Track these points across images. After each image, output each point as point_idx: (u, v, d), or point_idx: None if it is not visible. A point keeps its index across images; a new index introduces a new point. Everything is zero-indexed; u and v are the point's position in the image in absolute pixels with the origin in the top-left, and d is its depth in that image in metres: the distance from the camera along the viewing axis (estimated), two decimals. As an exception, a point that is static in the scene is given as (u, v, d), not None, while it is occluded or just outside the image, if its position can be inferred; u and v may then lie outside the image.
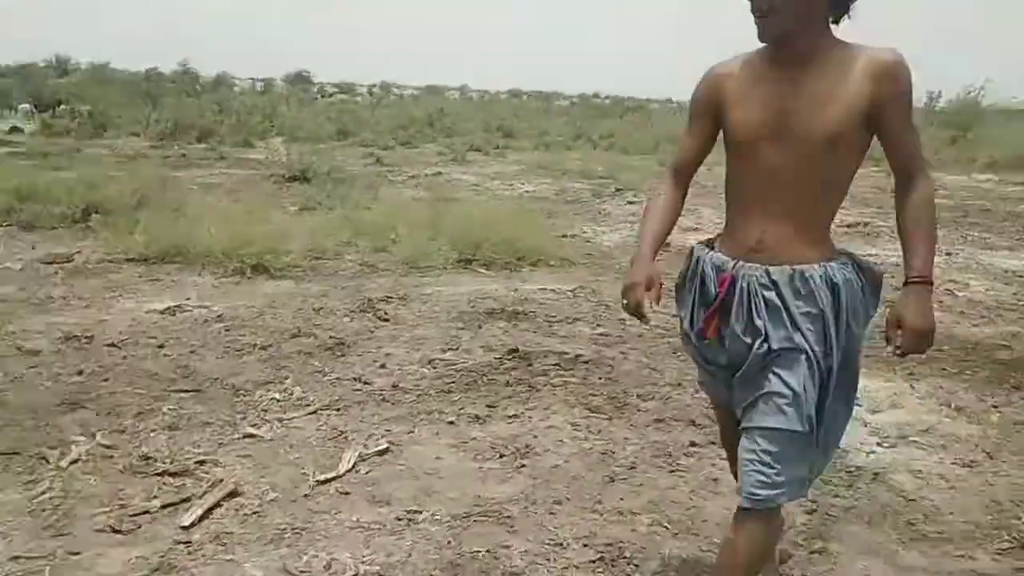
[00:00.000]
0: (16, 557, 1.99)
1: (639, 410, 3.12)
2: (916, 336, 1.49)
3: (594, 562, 2.08)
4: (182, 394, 3.08)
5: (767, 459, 1.52)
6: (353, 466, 2.53)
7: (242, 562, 2.01)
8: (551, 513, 2.31)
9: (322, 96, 44.21)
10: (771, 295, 1.54)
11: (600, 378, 3.44)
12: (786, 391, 1.51)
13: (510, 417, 3.00)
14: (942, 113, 23.46)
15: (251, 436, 2.74)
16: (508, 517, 2.27)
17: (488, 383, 3.33)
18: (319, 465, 2.54)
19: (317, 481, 2.42)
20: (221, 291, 4.68)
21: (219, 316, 4.11)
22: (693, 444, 2.82)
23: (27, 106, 23.12)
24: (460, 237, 5.91)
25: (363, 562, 2.02)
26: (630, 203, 9.32)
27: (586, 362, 3.63)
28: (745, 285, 1.57)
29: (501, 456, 2.67)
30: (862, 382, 3.44)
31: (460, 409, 3.05)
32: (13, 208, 6.34)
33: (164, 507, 2.23)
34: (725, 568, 1.61)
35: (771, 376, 1.53)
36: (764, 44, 1.55)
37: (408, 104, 35.87)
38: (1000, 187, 13.19)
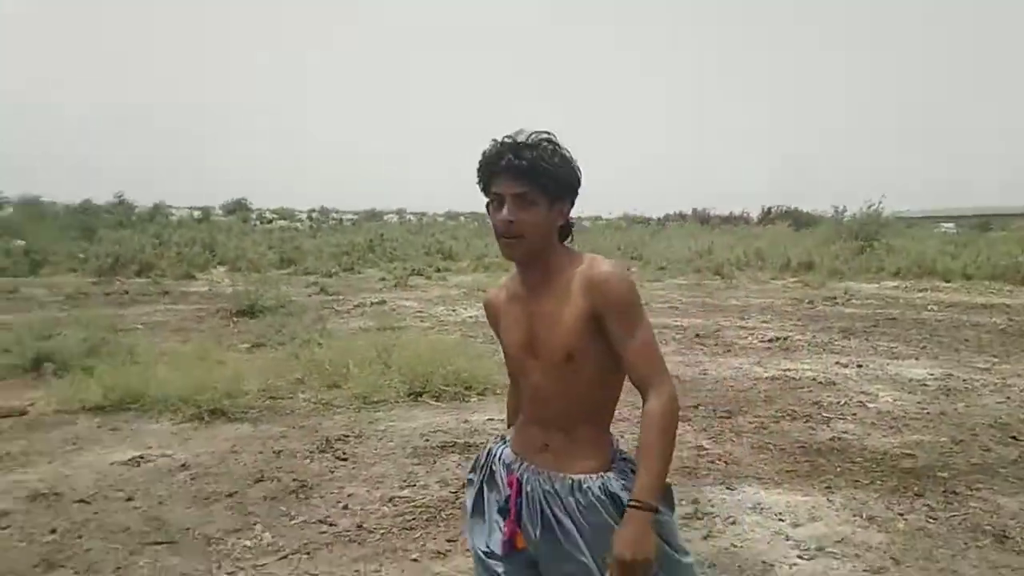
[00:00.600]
0: None
1: (587, 536, 3.41)
2: (622, 567, 1.45)
3: None
4: (156, 546, 3.23)
5: None
6: (327, 608, 2.73)
7: None
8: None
9: (261, 223, 44.73)
10: (555, 503, 1.59)
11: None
12: None
13: (468, 551, 3.24)
14: (850, 225, 25.43)
15: (227, 585, 2.91)
16: (474, 648, 2.50)
17: (446, 518, 3.58)
18: (295, 609, 2.73)
19: (295, 625, 2.61)
20: (181, 437, 4.83)
21: (183, 464, 4.27)
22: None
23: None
24: (409, 370, 6.23)
25: None
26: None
27: (536, 491, 3.92)
28: (529, 490, 1.63)
29: (463, 589, 2.91)
30: (784, 498, 3.87)
31: (422, 545, 3.28)
32: (-43, 360, 6.37)
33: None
34: None
35: None
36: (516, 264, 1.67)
37: (348, 230, 36.75)
38: (907, 294, 14.36)
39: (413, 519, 3.56)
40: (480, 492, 1.74)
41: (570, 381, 1.59)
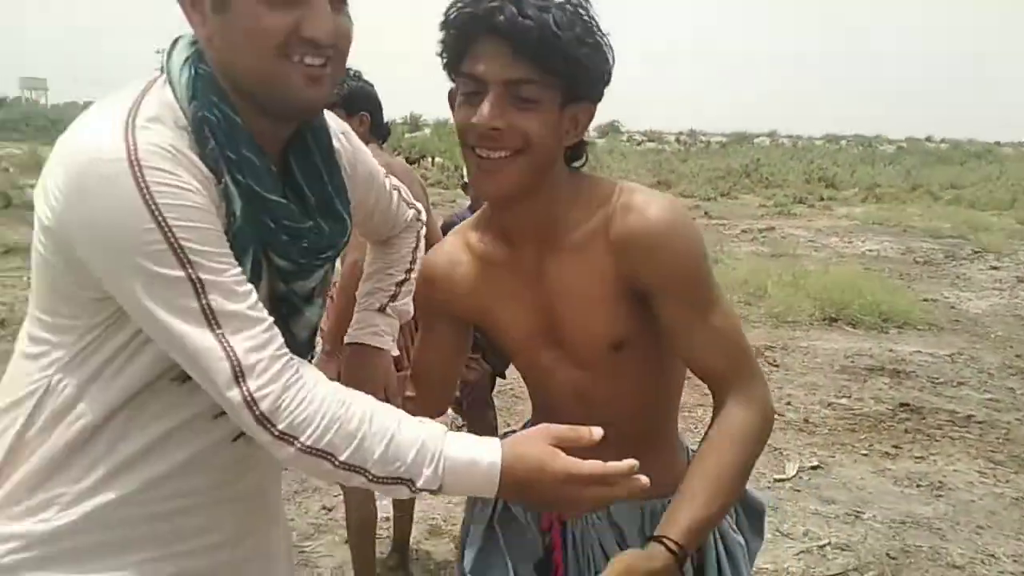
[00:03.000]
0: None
1: (1045, 470, 3.50)
2: None
3: (1025, 574, 2.64)
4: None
5: None
6: (796, 473, 3.37)
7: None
8: (976, 533, 2.90)
9: (631, 144, 46.57)
10: (614, 547, 1.10)
11: (997, 438, 3.84)
12: None
13: (916, 458, 3.59)
14: None
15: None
16: (938, 529, 2.92)
17: (888, 428, 3.94)
18: (769, 468, 3.41)
19: (774, 479, 3.29)
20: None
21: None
22: (1109, 504, 3.15)
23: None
24: (823, 295, 6.49)
25: (831, 535, 2.84)
26: (994, 268, 8.93)
27: (980, 422, 4.04)
28: (578, 534, 1.13)
29: (918, 486, 3.29)
30: None
31: (869, 446, 3.71)
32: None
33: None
34: None
35: None
36: (483, 212, 1.14)
37: (717, 153, 36.42)
38: None
39: (855, 423, 3.99)
40: (491, 529, 1.18)
41: (618, 374, 1.08)
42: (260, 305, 0.84)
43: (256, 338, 0.82)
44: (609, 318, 1.03)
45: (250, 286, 0.84)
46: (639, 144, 47.39)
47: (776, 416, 3.99)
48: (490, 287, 1.10)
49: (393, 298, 1.25)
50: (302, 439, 0.81)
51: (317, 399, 0.83)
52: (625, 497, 0.87)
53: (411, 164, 26.72)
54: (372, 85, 2.31)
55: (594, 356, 1.06)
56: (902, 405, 4.25)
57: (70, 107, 49.32)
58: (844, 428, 3.93)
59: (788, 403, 4.29)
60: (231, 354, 0.80)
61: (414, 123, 49.08)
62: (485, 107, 0.93)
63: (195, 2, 0.84)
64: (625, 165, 25.18)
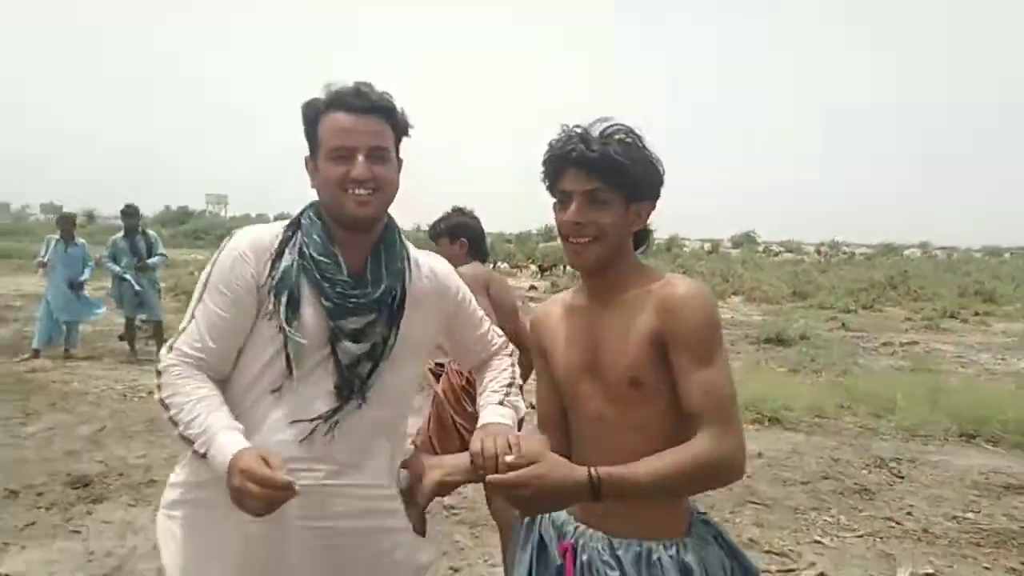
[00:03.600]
0: None
1: None
2: (518, 486, 1.25)
3: None
4: (755, 506, 4.28)
5: None
6: (908, 579, 3.35)
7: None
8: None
9: (767, 255, 45.60)
10: None
11: None
12: None
13: (1046, 577, 3.45)
14: None
15: (818, 542, 3.76)
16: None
17: (1019, 547, 3.79)
18: (880, 571, 3.42)
19: (883, 583, 3.30)
20: (749, 436, 5.91)
21: (759, 453, 5.32)
22: None
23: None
24: (960, 411, 6.23)
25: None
26: None
27: None
28: (586, 559, 1.40)
29: (1044, 603, 3.18)
30: None
31: (994, 560, 3.61)
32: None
33: (779, 572, 3.37)
34: None
35: None
36: (578, 280, 1.53)
37: (861, 264, 34.97)
38: None
39: (981, 538, 3.88)
40: (530, 566, 1.50)
41: (638, 411, 1.38)
42: (218, 335, 1.42)
43: (192, 342, 1.42)
44: (633, 359, 1.36)
45: (222, 323, 1.41)
46: (775, 255, 46.37)
47: (893, 524, 4.03)
48: (561, 329, 1.50)
49: (506, 395, 1.62)
50: (160, 393, 1.39)
51: (182, 378, 1.39)
52: (271, 496, 1.23)
53: (544, 271, 27.78)
54: (476, 219, 3.11)
55: (618, 389, 1.38)
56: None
57: (244, 219, 55.56)
58: (967, 541, 3.83)
59: (908, 513, 4.22)
60: (178, 336, 1.44)
61: (548, 234, 51.06)
62: (572, 209, 1.38)
63: (311, 171, 1.49)
64: (759, 275, 24.80)
